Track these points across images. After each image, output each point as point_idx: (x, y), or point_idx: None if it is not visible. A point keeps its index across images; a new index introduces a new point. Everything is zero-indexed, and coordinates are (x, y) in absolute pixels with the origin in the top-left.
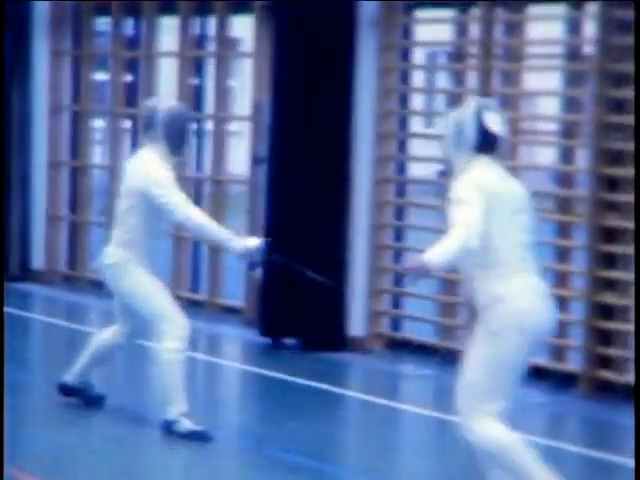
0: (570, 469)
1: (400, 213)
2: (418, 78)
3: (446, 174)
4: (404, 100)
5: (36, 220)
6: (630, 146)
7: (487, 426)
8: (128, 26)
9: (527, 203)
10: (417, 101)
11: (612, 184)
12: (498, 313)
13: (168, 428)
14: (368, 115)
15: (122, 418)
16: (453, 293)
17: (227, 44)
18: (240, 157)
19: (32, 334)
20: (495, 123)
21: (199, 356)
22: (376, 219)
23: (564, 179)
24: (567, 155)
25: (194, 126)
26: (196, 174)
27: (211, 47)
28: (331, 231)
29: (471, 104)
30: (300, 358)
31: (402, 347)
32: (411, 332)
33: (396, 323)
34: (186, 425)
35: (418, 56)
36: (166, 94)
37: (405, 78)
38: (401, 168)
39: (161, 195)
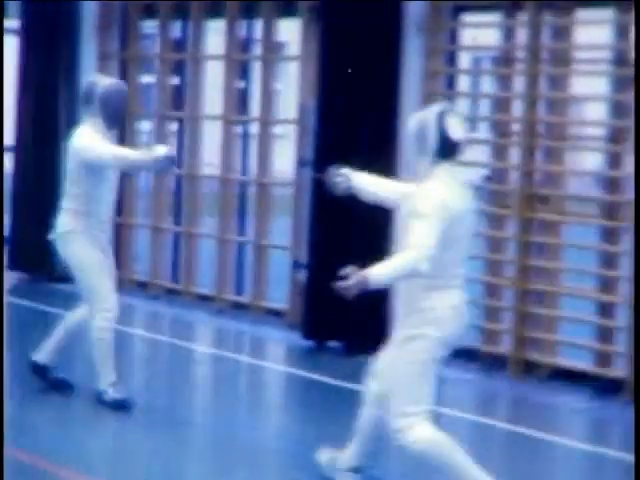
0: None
1: None
2: (463, 82)
3: (492, 178)
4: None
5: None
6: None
7: (416, 430)
8: (175, 29)
9: (473, 218)
10: (462, 105)
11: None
12: (418, 321)
13: (99, 398)
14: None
15: (160, 420)
16: (497, 297)
17: (273, 47)
18: (285, 160)
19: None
20: (457, 129)
21: (243, 358)
22: None
23: (610, 184)
24: (613, 160)
25: (126, 101)
26: (242, 177)
27: (257, 50)
28: (376, 235)
29: (434, 109)
30: (343, 361)
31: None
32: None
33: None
34: (112, 395)
35: (464, 60)
36: (212, 97)
37: (451, 82)
38: None
39: (93, 156)
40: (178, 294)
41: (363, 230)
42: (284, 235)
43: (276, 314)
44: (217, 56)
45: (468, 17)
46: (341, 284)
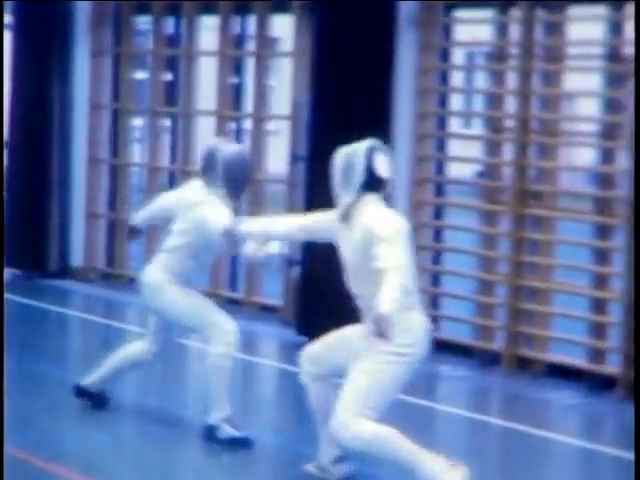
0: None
1: (439, 213)
2: (457, 78)
3: (484, 174)
4: (443, 100)
5: (75, 218)
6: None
7: (361, 423)
8: (168, 25)
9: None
10: (456, 101)
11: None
12: (403, 341)
13: (210, 433)
14: (407, 115)
15: (160, 419)
16: (490, 294)
17: (267, 43)
18: (279, 156)
19: (70, 331)
20: (383, 166)
21: (236, 354)
22: (415, 219)
23: (603, 180)
24: (606, 156)
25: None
26: None
27: (251, 46)
28: None
29: (362, 145)
30: None
31: (440, 347)
32: (449, 332)
33: (434, 323)
34: (227, 431)
35: (457, 56)
36: (205, 93)
37: (444, 78)
38: (439, 168)
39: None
40: None
41: None
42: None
43: (270, 310)
44: (210, 52)
45: (461, 13)
46: (379, 335)
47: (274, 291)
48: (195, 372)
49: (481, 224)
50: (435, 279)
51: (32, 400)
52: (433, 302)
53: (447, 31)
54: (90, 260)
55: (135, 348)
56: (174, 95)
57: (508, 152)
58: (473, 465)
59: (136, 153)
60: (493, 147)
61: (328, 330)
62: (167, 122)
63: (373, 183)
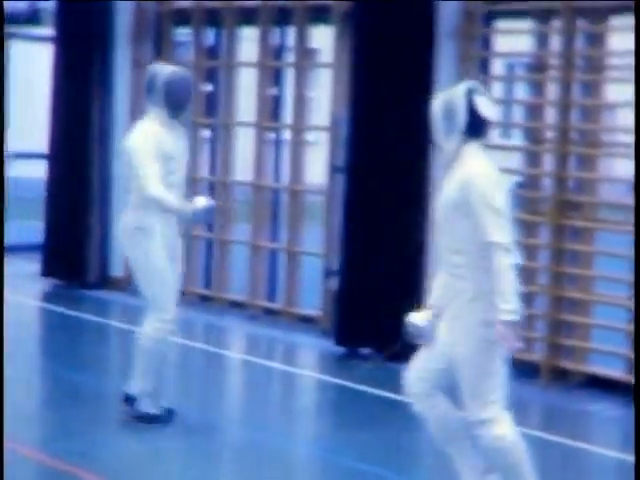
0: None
1: None
2: (497, 89)
3: (524, 185)
4: None
5: (115, 228)
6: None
7: (502, 424)
8: (208, 36)
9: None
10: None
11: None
12: (488, 305)
13: (128, 402)
14: None
15: (200, 430)
16: (529, 305)
17: (306, 54)
18: (318, 167)
19: (110, 341)
20: (486, 107)
21: (275, 365)
22: None
23: None
24: None
25: (193, 90)
26: (274, 184)
27: (290, 57)
28: (408, 240)
29: (460, 87)
30: (375, 368)
31: None
32: None
33: None
34: (146, 406)
35: (497, 67)
36: (245, 104)
37: (484, 89)
38: None
39: (139, 165)
40: (211, 300)
41: (395, 236)
42: (316, 242)
43: (308, 321)
44: (250, 63)
45: (501, 24)
46: (510, 346)
47: (312, 302)
48: (235, 382)
49: (521, 235)
50: None
51: (72, 410)
52: None
53: (487, 42)
54: (130, 270)
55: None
56: (214, 106)
57: (548, 163)
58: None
59: None
60: (533, 158)
61: (367, 340)
62: (207, 133)
63: (477, 126)
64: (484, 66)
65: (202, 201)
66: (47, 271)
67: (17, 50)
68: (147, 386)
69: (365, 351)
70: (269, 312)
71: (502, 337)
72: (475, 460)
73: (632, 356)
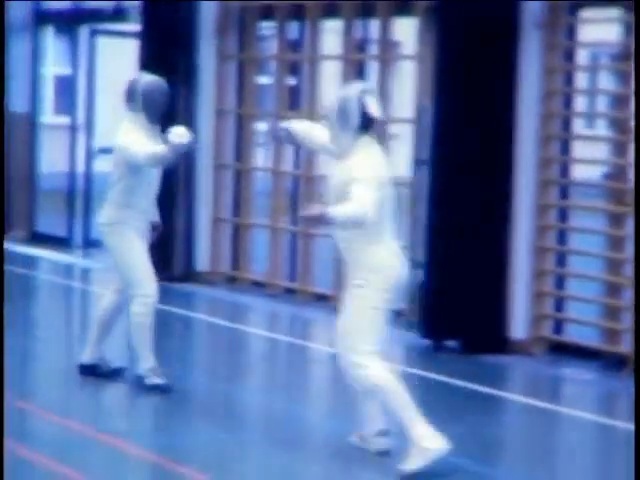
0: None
1: (563, 215)
2: (582, 79)
3: (610, 176)
4: (568, 101)
5: (201, 222)
6: None
7: (372, 364)
8: (292, 30)
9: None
10: (580, 102)
11: None
12: (364, 271)
13: (139, 382)
14: (531, 116)
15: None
16: (617, 296)
17: (389, 47)
18: (401, 160)
19: (196, 334)
20: (374, 107)
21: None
22: (539, 221)
23: None
24: None
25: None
26: None
27: (373, 50)
28: (493, 232)
29: (353, 88)
30: (461, 360)
31: (564, 350)
32: (574, 335)
33: (559, 326)
34: (152, 379)
35: (582, 57)
36: (328, 97)
37: (569, 79)
38: (564, 170)
39: (128, 155)
40: (296, 293)
41: (481, 229)
42: (401, 235)
43: (394, 314)
44: (333, 56)
45: (586, 12)
46: (305, 214)
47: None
48: (322, 376)
49: (607, 226)
50: (559, 281)
51: (159, 402)
52: (557, 305)
53: (572, 31)
54: (215, 264)
55: (104, 302)
56: (297, 99)
57: (634, 153)
58: (598, 469)
59: (260, 158)
60: (619, 148)
61: (453, 333)
62: None
63: (367, 124)
64: (569, 56)
65: (178, 131)
66: None
67: (104, 47)
68: (152, 361)
69: (451, 343)
70: None
71: (311, 212)
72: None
73: None
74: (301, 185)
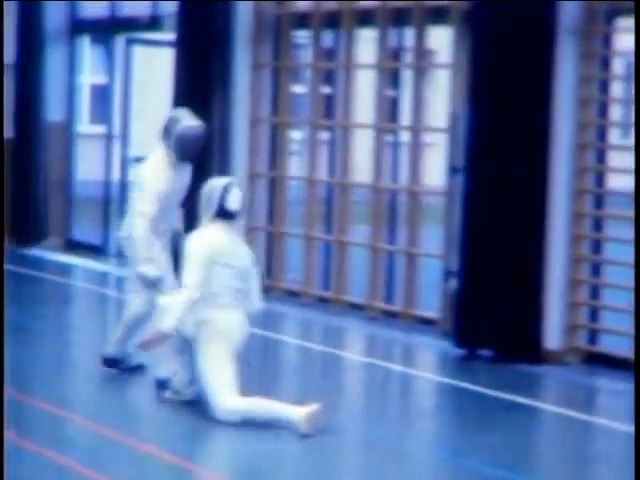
0: None
1: (598, 225)
2: (618, 88)
3: None
4: (603, 110)
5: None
6: None
7: (232, 400)
8: (327, 38)
9: (248, 259)
10: (615, 111)
11: None
12: (209, 329)
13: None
14: (567, 125)
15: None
16: None
17: (424, 55)
18: (436, 168)
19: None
20: (235, 200)
21: (395, 367)
22: (574, 231)
23: None
24: None
25: (204, 143)
26: (393, 185)
27: (408, 58)
28: (527, 241)
29: (220, 181)
30: (495, 370)
31: (599, 361)
32: (608, 346)
33: (593, 336)
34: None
35: (618, 65)
36: (363, 106)
37: (604, 88)
38: (599, 179)
39: (137, 198)
40: (329, 302)
41: (515, 238)
42: (435, 243)
43: (427, 322)
44: (368, 65)
45: (623, 21)
46: (141, 345)
47: (431, 303)
48: (355, 383)
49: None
50: (594, 291)
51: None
52: (592, 315)
53: (608, 40)
54: None
55: (136, 305)
56: (332, 108)
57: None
58: None
59: (294, 166)
60: None
61: (487, 342)
62: (325, 135)
63: (224, 214)
64: (605, 64)
65: (152, 270)
66: None
67: (139, 55)
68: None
69: (485, 353)
70: (387, 314)
71: (148, 339)
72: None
73: None
74: (335, 193)
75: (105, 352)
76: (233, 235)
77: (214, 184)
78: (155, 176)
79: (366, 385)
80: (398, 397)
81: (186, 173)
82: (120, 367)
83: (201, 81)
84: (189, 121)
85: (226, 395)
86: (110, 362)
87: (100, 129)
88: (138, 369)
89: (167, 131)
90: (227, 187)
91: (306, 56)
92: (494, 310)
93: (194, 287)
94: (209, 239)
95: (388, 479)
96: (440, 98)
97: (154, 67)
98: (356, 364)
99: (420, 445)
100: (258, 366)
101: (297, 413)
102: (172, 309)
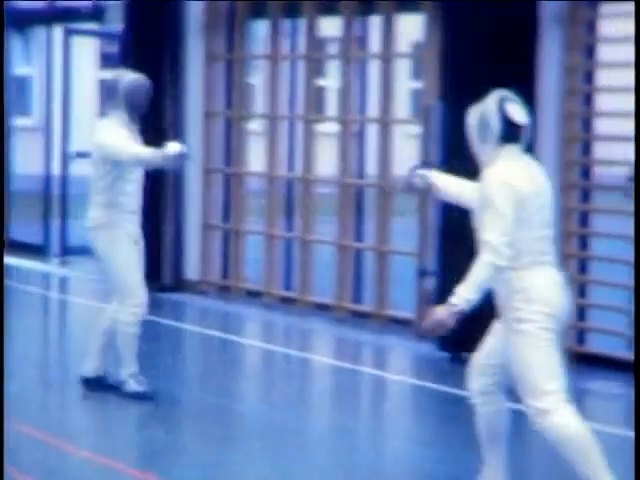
0: None
1: (586, 220)
2: (604, 77)
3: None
4: (588, 100)
5: (190, 229)
6: None
7: (560, 412)
8: (286, 27)
9: (549, 196)
10: (602, 101)
11: None
12: (523, 302)
13: (119, 388)
14: (552, 117)
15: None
16: None
17: (390, 44)
18: (408, 162)
19: (186, 345)
20: (518, 113)
21: (369, 370)
22: (561, 226)
23: None
24: None
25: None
26: (359, 180)
27: (375, 48)
28: None
29: (493, 96)
30: None
31: (588, 361)
32: (599, 346)
33: (581, 336)
34: (132, 386)
35: (604, 53)
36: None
37: (589, 77)
38: (586, 172)
39: (111, 152)
40: (293, 303)
41: None
42: (408, 239)
43: (401, 323)
44: (332, 55)
45: (608, 7)
46: (429, 323)
47: (405, 303)
48: (327, 388)
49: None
50: (582, 289)
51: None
52: (580, 314)
53: (592, 27)
54: (205, 273)
55: (104, 317)
56: (294, 100)
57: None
58: None
59: (253, 160)
60: None
61: (471, 345)
62: (284, 128)
63: (510, 133)
64: (590, 53)
65: (174, 147)
66: None
67: (78, 47)
68: (134, 368)
69: (469, 356)
70: (356, 314)
71: (436, 314)
72: (500, 471)
73: None
74: (298, 188)
75: (84, 372)
76: (531, 162)
77: (484, 104)
78: (112, 136)
79: (335, 390)
80: (377, 403)
81: (137, 136)
82: (104, 385)
83: (150, 74)
84: (133, 76)
85: (560, 400)
86: (92, 382)
87: (33, 122)
88: (119, 387)
89: (113, 92)
90: (503, 100)
91: (262, 47)
92: (477, 311)
93: (499, 244)
94: (507, 175)
95: None
96: (406, 89)
97: (85, 58)
98: (323, 368)
99: (399, 450)
100: (216, 370)
101: None
102: (472, 278)
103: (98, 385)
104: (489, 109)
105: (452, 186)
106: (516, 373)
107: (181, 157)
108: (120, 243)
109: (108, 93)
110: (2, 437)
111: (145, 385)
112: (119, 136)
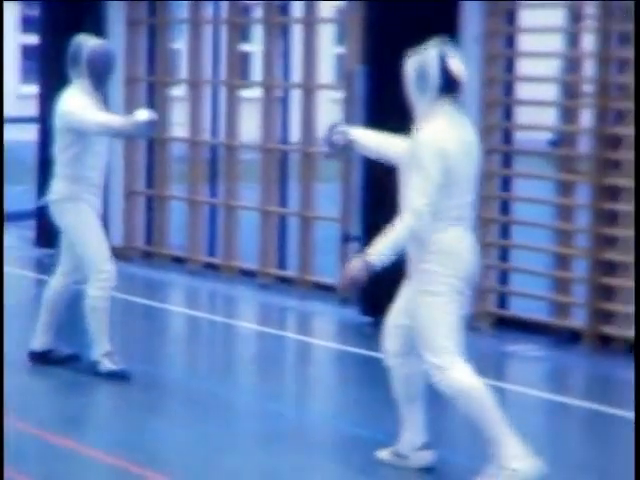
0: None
1: (506, 184)
2: (527, 41)
3: (558, 143)
4: (510, 65)
5: (113, 195)
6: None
7: (459, 370)
8: None
9: (477, 160)
10: (524, 66)
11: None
12: (436, 263)
13: (93, 368)
14: (473, 82)
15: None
16: (567, 268)
17: (313, 9)
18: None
19: (110, 312)
20: (458, 68)
21: (289, 334)
22: (483, 191)
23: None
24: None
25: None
26: (283, 145)
27: (297, 13)
28: None
29: (434, 47)
30: None
31: (510, 325)
32: (520, 310)
33: (504, 300)
34: (107, 365)
35: (526, 19)
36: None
37: (510, 42)
38: (507, 137)
39: (76, 121)
40: (218, 269)
41: None
42: (331, 203)
43: (325, 289)
44: (256, 20)
45: None
46: (344, 278)
47: (329, 269)
48: (242, 355)
49: (556, 195)
50: (504, 253)
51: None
52: (501, 277)
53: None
54: (129, 239)
55: (52, 287)
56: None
57: (585, 119)
58: (549, 449)
59: (176, 125)
60: (569, 114)
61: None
62: (207, 92)
63: (449, 85)
64: (510, 18)
65: (144, 114)
66: (41, 243)
67: None
68: (107, 347)
69: None
70: (281, 280)
71: (349, 269)
72: (419, 430)
73: None
74: (220, 154)
75: (33, 346)
76: (465, 123)
77: (423, 54)
78: (76, 105)
79: (259, 355)
80: (301, 367)
81: (102, 104)
82: (51, 360)
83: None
84: (96, 42)
85: (457, 357)
86: (39, 356)
87: None
88: (71, 359)
89: (75, 59)
90: (444, 52)
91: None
92: (400, 275)
93: (423, 204)
94: (441, 141)
95: (284, 454)
96: (330, 54)
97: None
98: (248, 333)
99: (321, 418)
100: (141, 337)
101: (518, 460)
102: (390, 236)
103: (44, 359)
104: (430, 59)
105: (374, 141)
106: (419, 329)
107: (150, 124)
108: (87, 217)
109: (71, 60)
110: (2, 435)
111: (120, 364)
112: (84, 104)
